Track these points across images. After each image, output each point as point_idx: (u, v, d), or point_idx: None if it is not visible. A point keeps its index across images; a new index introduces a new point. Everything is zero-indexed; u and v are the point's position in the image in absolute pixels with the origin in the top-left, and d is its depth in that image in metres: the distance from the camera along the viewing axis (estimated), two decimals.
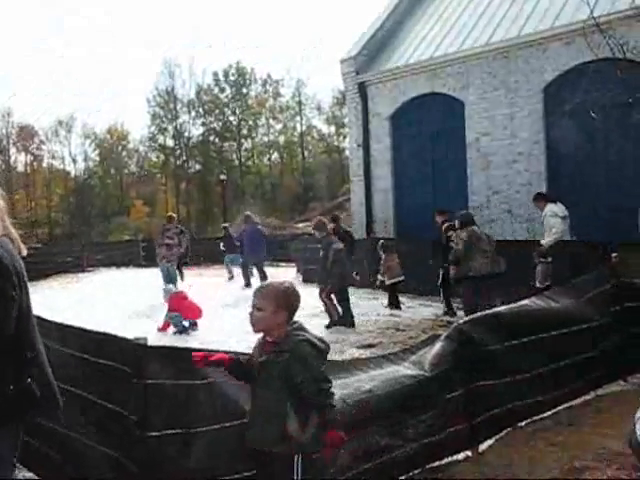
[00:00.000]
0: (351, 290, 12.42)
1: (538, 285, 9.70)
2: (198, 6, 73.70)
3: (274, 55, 78.26)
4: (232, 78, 53.59)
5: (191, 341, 8.43)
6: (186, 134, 53.25)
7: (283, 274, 14.55)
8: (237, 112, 53.68)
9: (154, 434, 3.07)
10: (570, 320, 5.22)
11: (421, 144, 15.79)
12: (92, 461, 3.50)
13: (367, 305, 11.50)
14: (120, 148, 59.88)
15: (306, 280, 14.50)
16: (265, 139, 55.81)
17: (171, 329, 9.73)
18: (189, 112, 53.31)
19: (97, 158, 58.55)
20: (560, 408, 5.05)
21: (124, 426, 3.19)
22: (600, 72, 10.13)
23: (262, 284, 3.08)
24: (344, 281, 9.83)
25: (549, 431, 4.67)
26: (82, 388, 3.56)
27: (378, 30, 17.56)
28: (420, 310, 10.86)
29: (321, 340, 2.94)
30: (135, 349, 3.11)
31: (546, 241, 9.96)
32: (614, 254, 6.86)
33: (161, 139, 54.39)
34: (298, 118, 53.95)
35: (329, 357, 3.10)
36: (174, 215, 15.22)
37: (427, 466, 4.09)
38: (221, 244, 19.06)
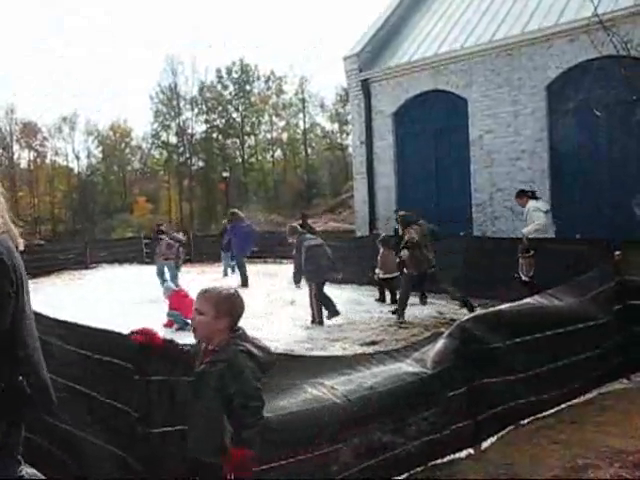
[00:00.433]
0: (353, 287, 12.48)
1: (524, 278, 9.99)
2: (199, 5, 73.73)
3: (277, 52, 78.22)
4: (235, 75, 53.60)
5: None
6: (189, 131, 53.30)
7: (285, 271, 14.51)
8: (240, 109, 53.71)
9: (157, 431, 3.07)
10: (573, 318, 5.21)
11: (424, 141, 15.78)
12: (95, 458, 3.51)
13: (370, 302, 11.50)
14: (123, 145, 60.00)
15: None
16: (268, 136, 55.83)
17: (175, 325, 9.83)
18: (192, 109, 53.38)
19: (100, 155, 58.71)
20: (563, 406, 5.04)
21: (127, 423, 3.20)
22: (604, 69, 10.12)
23: (205, 288, 2.90)
24: (319, 276, 9.84)
25: (552, 429, 4.66)
26: (84, 385, 3.57)
27: (381, 27, 17.53)
28: (422, 307, 10.85)
29: (265, 351, 2.81)
30: (137, 346, 3.11)
31: (527, 229, 10.30)
32: (617, 252, 6.85)
33: (164, 136, 54.50)
34: (301, 115, 53.96)
35: (332, 353, 3.09)
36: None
37: (429, 464, 4.09)
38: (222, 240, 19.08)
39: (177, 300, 10.06)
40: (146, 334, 3.03)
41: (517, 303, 5.10)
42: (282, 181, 53.42)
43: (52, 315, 4.08)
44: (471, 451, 4.35)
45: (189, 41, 77.15)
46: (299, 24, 78.67)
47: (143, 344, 3.04)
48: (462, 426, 4.27)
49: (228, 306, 2.79)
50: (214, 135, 53.65)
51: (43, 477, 3.35)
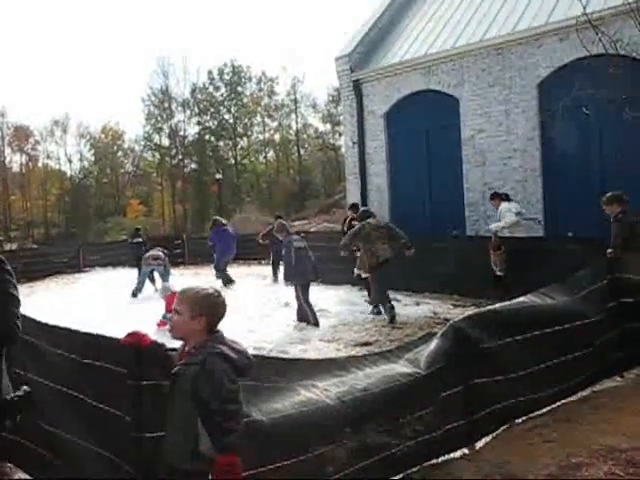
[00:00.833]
0: (347, 288, 12.48)
1: (498, 273, 10.82)
2: (190, 6, 73.66)
3: (269, 53, 78.22)
4: (227, 77, 53.54)
5: None
6: (181, 133, 53.22)
7: (279, 273, 14.50)
8: (232, 111, 53.64)
9: (149, 435, 3.06)
10: (566, 316, 5.22)
11: (416, 141, 15.79)
12: (88, 463, 3.50)
13: (364, 303, 11.50)
14: (115, 148, 59.86)
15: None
16: (261, 137, 55.79)
17: (167, 326, 9.78)
18: (184, 111, 53.28)
19: (92, 158, 58.53)
20: (557, 405, 5.06)
21: (120, 427, 3.19)
22: (595, 68, 10.13)
23: (185, 287, 2.88)
24: (305, 278, 10.01)
25: (546, 428, 4.68)
26: (77, 390, 3.56)
27: (372, 27, 17.54)
28: (416, 307, 10.86)
29: (243, 355, 2.73)
30: (130, 350, 3.10)
31: (494, 225, 11.39)
32: (609, 250, 6.87)
33: (156, 138, 54.40)
34: (293, 116, 53.93)
35: (326, 354, 3.07)
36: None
37: (424, 464, 4.09)
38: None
39: (173, 302, 10.03)
40: (135, 336, 3.01)
41: (510, 302, 5.12)
42: (275, 182, 53.38)
43: (46, 319, 4.07)
44: (466, 451, 4.36)
45: (182, 41, 77.06)
46: (291, 25, 78.68)
47: (133, 346, 3.02)
48: (456, 426, 4.28)
49: (204, 307, 2.72)
50: (206, 137, 53.55)
51: None
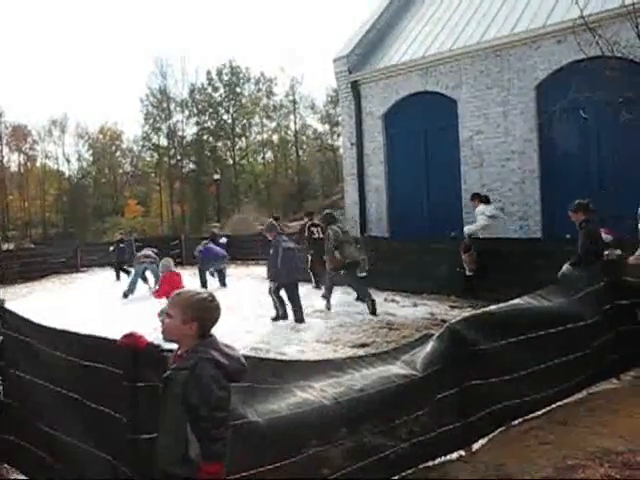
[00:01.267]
0: (345, 289, 12.47)
1: (468, 273, 11.25)
2: (188, 6, 73.68)
3: (267, 54, 78.18)
4: (225, 77, 53.51)
5: None
6: (180, 133, 53.24)
7: None
8: (231, 111, 53.60)
9: (146, 437, 3.06)
10: (562, 318, 5.23)
11: (414, 142, 15.81)
12: (85, 464, 3.50)
13: (362, 304, 11.49)
14: (114, 148, 59.82)
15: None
16: (259, 138, 55.75)
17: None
18: (182, 111, 53.27)
19: (91, 158, 58.49)
20: (553, 406, 5.07)
21: (116, 429, 3.19)
22: (592, 70, 10.16)
23: (178, 291, 2.84)
24: (292, 278, 10.21)
25: (542, 430, 4.68)
26: (74, 391, 3.56)
27: (371, 29, 17.57)
28: (414, 309, 10.87)
29: (236, 360, 2.68)
30: (126, 351, 3.11)
31: (467, 228, 11.93)
32: (606, 252, 6.89)
33: (155, 138, 54.34)
34: (292, 117, 53.90)
35: (323, 355, 3.07)
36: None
37: (420, 466, 4.10)
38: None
39: (168, 280, 10.24)
40: (132, 337, 3.02)
41: (507, 304, 5.12)
42: (273, 183, 53.36)
43: (43, 320, 4.07)
44: (462, 452, 4.36)
45: (179, 43, 77.02)
46: (289, 26, 78.66)
47: (129, 347, 3.03)
48: (453, 428, 4.28)
49: (196, 311, 2.68)
50: (205, 137, 53.53)
51: None
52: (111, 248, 19.67)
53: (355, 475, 3.68)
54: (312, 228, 14.06)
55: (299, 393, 3.62)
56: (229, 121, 53.76)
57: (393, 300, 11.67)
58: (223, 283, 15.37)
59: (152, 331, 3.09)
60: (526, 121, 13.64)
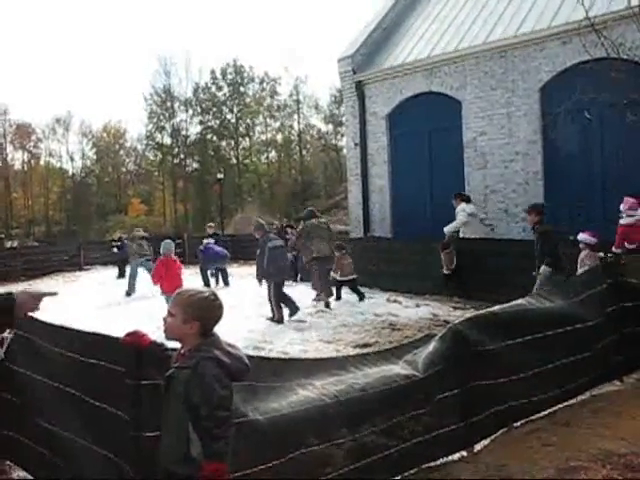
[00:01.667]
0: (347, 290, 12.47)
1: (445, 272, 11.63)
2: (192, 5, 73.71)
3: (271, 54, 78.24)
4: (229, 76, 53.53)
5: None
6: (183, 132, 53.25)
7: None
8: (234, 110, 53.62)
9: (148, 434, 3.06)
10: (565, 320, 5.21)
11: (418, 143, 15.79)
12: (87, 461, 3.50)
13: (364, 304, 11.51)
14: (117, 146, 59.89)
15: (301, 279, 14.82)
16: (263, 137, 55.78)
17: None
18: (186, 110, 53.29)
19: (94, 156, 58.58)
20: (556, 408, 5.05)
21: (119, 426, 3.19)
22: (596, 72, 10.14)
23: (180, 290, 2.83)
24: (279, 277, 10.39)
25: (544, 431, 4.67)
26: (77, 388, 3.56)
27: (375, 29, 17.55)
28: (416, 309, 10.86)
29: (239, 360, 2.67)
30: (130, 350, 3.10)
31: (447, 228, 12.34)
32: (609, 254, 6.87)
33: (158, 137, 54.38)
34: (296, 116, 53.89)
35: (325, 355, 3.06)
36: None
37: (422, 466, 4.09)
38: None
39: (163, 265, 10.29)
40: (135, 336, 3.02)
41: (509, 305, 5.11)
42: (277, 182, 53.34)
43: (44, 317, 4.07)
44: (464, 453, 4.36)
45: (183, 42, 77.11)
46: (294, 25, 78.70)
47: (133, 345, 3.03)
48: (455, 428, 4.27)
49: (197, 310, 2.66)
50: (208, 136, 53.56)
51: None
52: (115, 250, 19.86)
53: (356, 474, 3.67)
54: (287, 229, 15.96)
55: (300, 391, 3.62)
56: (233, 120, 53.78)
57: (396, 300, 11.68)
58: (226, 282, 15.41)
59: (155, 329, 3.08)
60: (530, 122, 13.61)
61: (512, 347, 4.72)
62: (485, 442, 4.51)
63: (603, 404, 5.21)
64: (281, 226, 15.34)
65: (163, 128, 53.72)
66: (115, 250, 19.96)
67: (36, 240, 38.70)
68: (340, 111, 45.14)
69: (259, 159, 56.66)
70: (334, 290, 11.94)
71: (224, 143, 54.48)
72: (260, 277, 10.47)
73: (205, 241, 16.10)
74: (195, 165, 54.27)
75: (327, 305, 11.23)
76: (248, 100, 54.06)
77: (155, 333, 3.22)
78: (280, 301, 10.32)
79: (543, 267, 8.43)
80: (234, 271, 17.09)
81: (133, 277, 14.75)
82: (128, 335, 3.03)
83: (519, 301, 5.19)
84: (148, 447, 3.02)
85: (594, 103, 10.92)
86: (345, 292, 12.14)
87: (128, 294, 14.39)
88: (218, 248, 15.71)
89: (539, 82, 13.41)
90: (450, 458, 4.27)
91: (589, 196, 12.64)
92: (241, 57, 73.60)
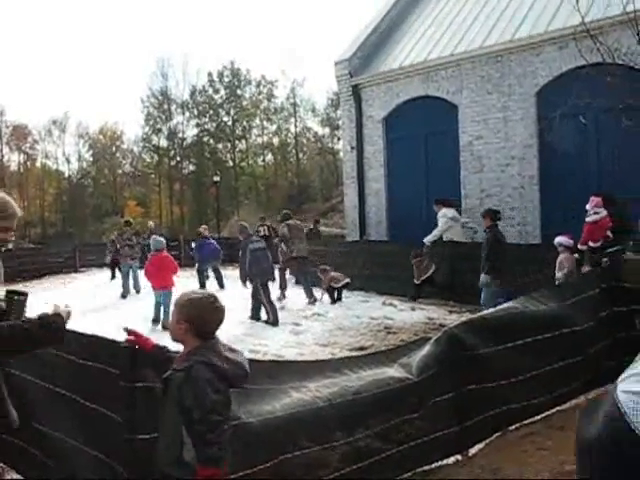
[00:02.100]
0: (344, 293, 12.48)
1: (416, 282, 11.71)
2: (190, 7, 73.72)
3: (268, 56, 78.29)
4: (226, 79, 53.52)
5: None
6: (180, 135, 53.16)
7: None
8: (231, 113, 53.56)
9: (143, 437, 3.06)
10: (559, 323, 5.22)
11: (415, 147, 15.82)
12: (81, 464, 3.49)
13: (361, 307, 11.51)
14: (114, 148, 59.79)
15: (299, 282, 14.74)
16: (259, 140, 55.69)
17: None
18: (183, 113, 53.22)
19: (91, 158, 58.46)
20: (550, 412, 5.06)
21: (113, 428, 3.19)
22: (592, 77, 10.17)
23: (183, 292, 2.82)
24: (263, 277, 10.56)
25: (539, 435, 4.67)
26: (71, 390, 3.55)
27: (372, 32, 17.59)
28: (412, 313, 10.87)
29: (237, 365, 2.63)
30: (123, 351, 3.10)
31: (427, 238, 12.28)
32: (604, 259, 6.87)
33: (155, 140, 54.27)
34: (292, 120, 53.88)
35: (321, 358, 3.06)
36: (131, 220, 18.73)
37: (417, 469, 4.09)
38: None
39: (157, 261, 10.25)
40: (139, 338, 3.00)
41: (503, 308, 5.12)
42: (273, 185, 53.31)
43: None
44: (459, 457, 4.36)
45: (180, 44, 77.11)
46: (291, 28, 78.74)
47: (133, 347, 3.02)
48: (449, 432, 4.27)
49: (191, 311, 2.64)
50: (205, 139, 53.48)
51: None
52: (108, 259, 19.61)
53: (350, 477, 3.67)
54: (260, 227, 16.85)
55: (294, 394, 3.62)
56: (229, 123, 53.71)
57: (391, 304, 11.68)
58: (221, 285, 15.37)
59: (150, 331, 3.07)
60: (526, 127, 13.64)
61: (505, 351, 4.73)
62: (480, 446, 4.51)
63: None
64: (258, 226, 16.15)
65: (160, 130, 53.63)
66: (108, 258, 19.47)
67: (32, 242, 38.57)
68: (337, 114, 45.13)
69: (256, 162, 56.59)
70: (335, 294, 12.09)
71: (220, 146, 54.40)
72: (244, 278, 10.77)
73: (194, 244, 16.20)
74: (191, 167, 54.17)
75: (314, 301, 11.80)
76: (245, 103, 54.01)
77: (150, 335, 3.21)
78: (269, 301, 10.42)
79: (482, 275, 9.08)
80: (229, 274, 17.05)
81: (126, 279, 14.73)
82: (130, 336, 3.01)
83: (511, 304, 5.19)
84: (142, 449, 3.02)
85: (590, 108, 10.95)
86: (345, 295, 12.17)
87: (124, 296, 14.44)
88: (213, 243, 15.79)
89: (535, 86, 13.45)
90: (445, 462, 4.27)
91: (584, 200, 12.64)
92: (238, 60, 73.67)
